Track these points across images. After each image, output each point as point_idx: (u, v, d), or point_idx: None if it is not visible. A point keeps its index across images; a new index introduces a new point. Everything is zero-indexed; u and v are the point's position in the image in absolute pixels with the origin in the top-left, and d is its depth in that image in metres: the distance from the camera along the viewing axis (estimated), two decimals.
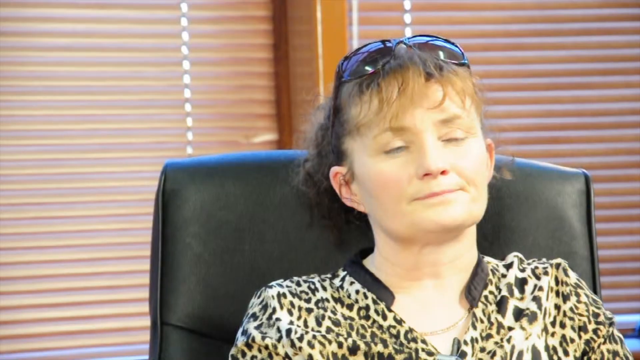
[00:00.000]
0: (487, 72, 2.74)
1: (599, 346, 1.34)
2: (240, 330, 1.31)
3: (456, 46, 1.33)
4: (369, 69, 1.30)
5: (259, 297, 1.33)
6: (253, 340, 1.28)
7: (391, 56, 1.29)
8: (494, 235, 1.38)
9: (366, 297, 1.33)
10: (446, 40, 1.33)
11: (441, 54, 1.31)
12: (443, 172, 1.26)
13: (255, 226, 1.47)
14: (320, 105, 1.41)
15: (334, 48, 2.66)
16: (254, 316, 1.31)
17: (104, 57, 2.57)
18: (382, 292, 1.33)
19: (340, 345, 1.26)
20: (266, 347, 1.28)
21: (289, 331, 1.27)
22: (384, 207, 1.30)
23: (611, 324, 1.35)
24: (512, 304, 1.33)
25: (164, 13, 2.65)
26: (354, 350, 1.26)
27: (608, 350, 1.34)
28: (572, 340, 1.33)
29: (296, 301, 1.31)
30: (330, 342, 1.27)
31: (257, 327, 1.29)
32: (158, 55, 2.63)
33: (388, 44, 1.32)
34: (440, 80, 1.28)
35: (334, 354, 1.26)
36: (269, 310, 1.30)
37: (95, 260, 2.55)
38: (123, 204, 2.57)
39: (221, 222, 1.47)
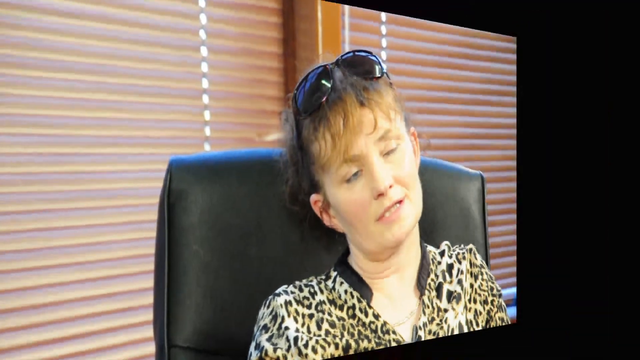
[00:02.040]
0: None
1: (495, 314, 1.45)
2: (253, 344, 1.35)
3: (376, 58, 1.36)
4: (316, 103, 1.32)
5: (268, 307, 1.36)
6: (266, 353, 1.31)
7: (331, 85, 1.31)
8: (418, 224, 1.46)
9: (352, 297, 1.39)
10: (369, 53, 1.36)
11: (364, 68, 1.34)
12: (390, 186, 1.32)
13: (260, 229, 1.47)
14: (285, 121, 1.43)
15: (332, 49, 2.67)
16: (265, 328, 1.34)
17: (120, 49, 2.36)
18: (364, 290, 1.40)
19: (337, 346, 1.32)
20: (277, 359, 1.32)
21: (296, 339, 1.32)
22: (356, 229, 1.36)
23: (500, 296, 1.47)
24: (445, 288, 1.43)
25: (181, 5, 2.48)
26: (346, 349, 1.32)
27: (500, 318, 1.45)
28: (480, 313, 1.44)
29: (300, 308, 1.35)
30: (329, 344, 1.32)
31: (269, 339, 1.33)
32: (176, 54, 2.47)
33: (325, 70, 1.34)
34: (369, 105, 1.31)
35: (332, 355, 1.31)
36: (279, 320, 1.34)
37: (106, 279, 2.34)
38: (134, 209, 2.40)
39: (229, 225, 1.45)
